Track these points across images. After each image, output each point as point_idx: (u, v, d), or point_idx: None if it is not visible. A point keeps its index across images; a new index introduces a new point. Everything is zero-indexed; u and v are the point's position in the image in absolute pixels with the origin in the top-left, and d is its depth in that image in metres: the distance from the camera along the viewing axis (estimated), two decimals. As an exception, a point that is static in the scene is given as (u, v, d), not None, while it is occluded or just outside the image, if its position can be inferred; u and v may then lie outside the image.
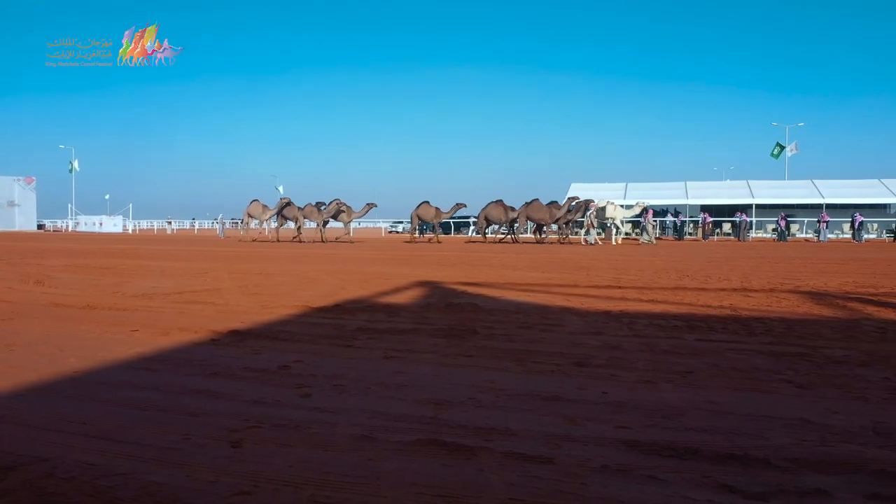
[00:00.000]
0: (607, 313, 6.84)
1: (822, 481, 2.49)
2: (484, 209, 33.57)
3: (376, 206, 34.66)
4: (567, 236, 33.33)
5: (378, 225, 70.00)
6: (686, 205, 48.54)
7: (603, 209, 31.91)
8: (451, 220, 54.30)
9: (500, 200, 33.44)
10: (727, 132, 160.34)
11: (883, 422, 3.23)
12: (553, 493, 2.40)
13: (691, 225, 46.87)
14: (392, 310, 7.12)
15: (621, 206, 33.43)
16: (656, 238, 35.84)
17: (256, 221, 37.37)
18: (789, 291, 9.01)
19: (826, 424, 3.18)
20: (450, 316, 6.66)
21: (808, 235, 42.85)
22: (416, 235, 37.12)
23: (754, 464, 2.66)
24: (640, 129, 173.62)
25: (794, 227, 44.41)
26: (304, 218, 33.35)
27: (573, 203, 31.75)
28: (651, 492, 2.41)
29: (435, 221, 35.70)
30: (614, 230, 32.49)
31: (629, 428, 3.14)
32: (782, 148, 54.23)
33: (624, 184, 50.77)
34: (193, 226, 77.64)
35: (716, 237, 44.83)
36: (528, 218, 32.60)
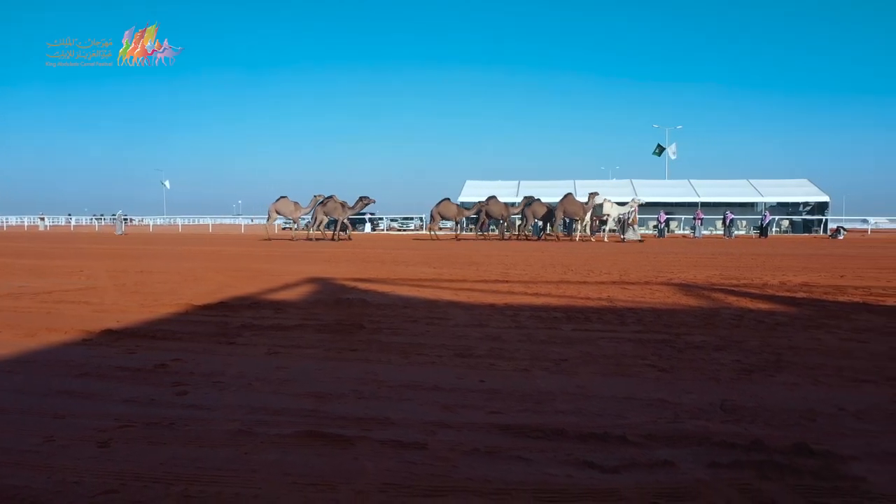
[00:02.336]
0: (492, 306, 7.06)
1: (671, 454, 2.73)
2: (484, 206, 32.61)
3: (374, 201, 31.32)
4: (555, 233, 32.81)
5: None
6: (575, 202, 50.30)
7: (600, 206, 31.90)
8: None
9: (494, 197, 33.13)
10: (613, 133, 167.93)
11: (730, 399, 3.55)
12: (425, 476, 2.50)
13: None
14: (279, 306, 7.04)
15: (616, 203, 33.23)
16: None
17: (285, 220, 33.91)
18: (662, 284, 9.61)
19: (679, 403, 3.46)
20: (338, 311, 6.66)
21: (686, 232, 45.50)
22: (434, 234, 34.57)
23: (613, 441, 2.87)
24: (533, 127, 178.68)
25: (672, 224, 47.06)
26: (326, 215, 30.34)
27: (596, 199, 31.27)
28: (516, 470, 2.55)
29: (457, 219, 34.02)
30: (608, 227, 32.41)
31: (502, 413, 3.29)
32: (663, 149, 57.38)
33: (516, 181, 51.99)
34: (69, 222, 72.68)
35: (602, 233, 46.71)
36: (563, 213, 31.44)
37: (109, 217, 74.72)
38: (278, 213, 31.92)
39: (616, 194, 49.95)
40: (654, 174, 67.02)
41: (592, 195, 31.52)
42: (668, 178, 54.79)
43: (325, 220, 30.64)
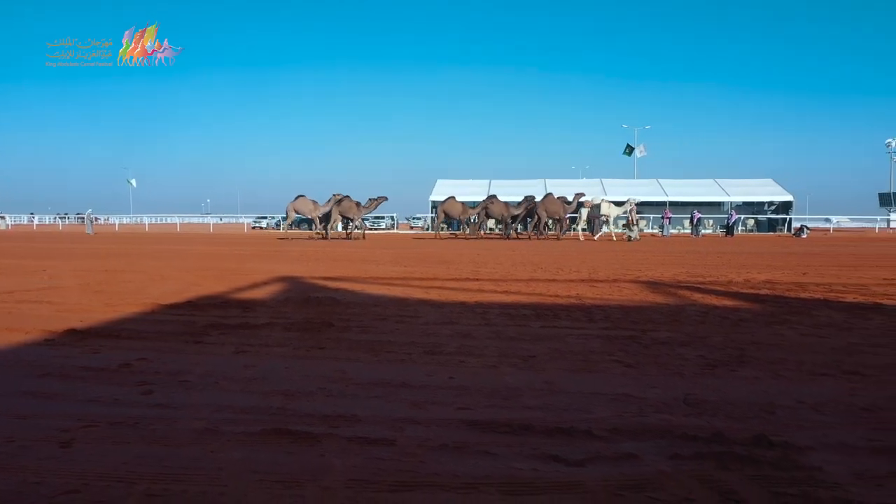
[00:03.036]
0: (462, 304, 7.09)
1: (635, 447, 2.77)
2: (484, 204, 32.42)
3: (386, 199, 30.74)
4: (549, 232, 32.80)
5: (240, 220, 67.90)
6: (546, 202, 50.55)
7: (598, 206, 31.93)
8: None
9: (494, 196, 32.65)
10: (582, 132, 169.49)
11: (693, 393, 3.62)
12: (392, 471, 2.50)
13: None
14: (247, 305, 6.98)
15: (614, 202, 33.20)
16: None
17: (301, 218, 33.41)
18: (630, 281, 9.73)
19: (644, 398, 3.52)
20: (307, 310, 6.62)
21: (654, 231, 46.07)
22: (441, 232, 34.23)
23: (578, 435, 2.91)
24: (501, 128, 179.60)
25: (641, 223, 47.61)
26: (341, 214, 29.93)
27: (580, 199, 31.59)
28: (483, 465, 2.57)
29: (462, 217, 33.31)
30: (605, 226, 32.39)
31: (470, 409, 3.31)
32: (632, 149, 58.13)
33: (487, 181, 52.13)
34: (32, 221, 70.99)
35: (572, 232, 47.09)
36: (545, 211, 31.49)
37: (74, 216, 73.19)
38: (297, 211, 31.50)
39: (587, 194, 50.37)
40: (624, 174, 67.71)
41: (578, 195, 31.87)
42: (637, 178, 55.40)
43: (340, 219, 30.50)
